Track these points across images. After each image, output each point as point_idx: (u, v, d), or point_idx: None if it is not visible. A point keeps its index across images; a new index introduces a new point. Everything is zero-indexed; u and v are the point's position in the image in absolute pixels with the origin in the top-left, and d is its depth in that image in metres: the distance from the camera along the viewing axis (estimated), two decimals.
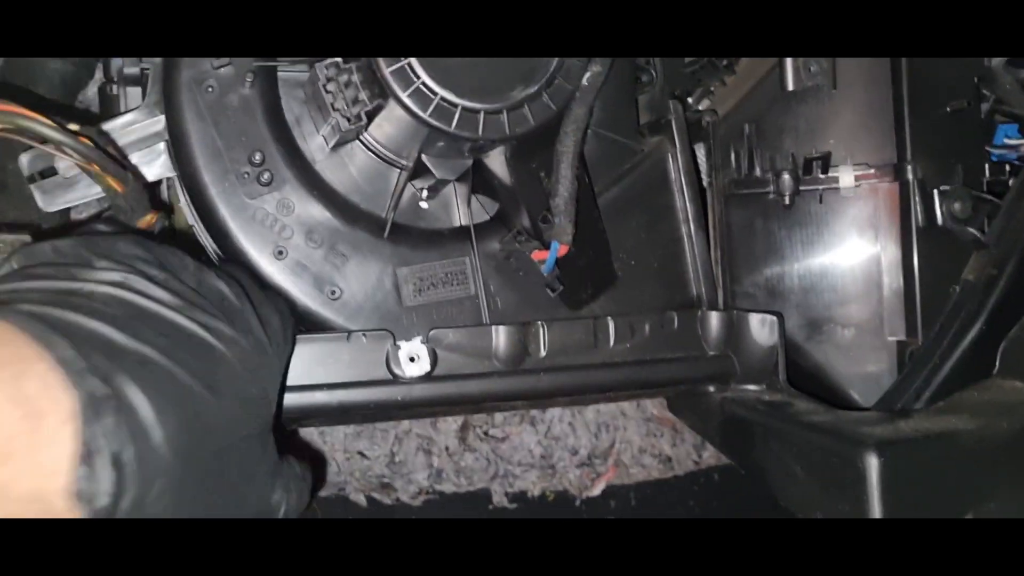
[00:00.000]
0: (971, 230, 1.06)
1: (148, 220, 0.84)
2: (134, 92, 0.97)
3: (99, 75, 1.12)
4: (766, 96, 1.14)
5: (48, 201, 0.88)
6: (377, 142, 0.95)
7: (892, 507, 0.79)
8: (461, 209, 1.01)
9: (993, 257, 1.03)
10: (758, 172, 1.14)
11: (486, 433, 1.32)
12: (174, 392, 0.55)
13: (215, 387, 0.58)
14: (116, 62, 0.97)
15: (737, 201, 1.16)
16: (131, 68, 0.96)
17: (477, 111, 0.87)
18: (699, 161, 1.18)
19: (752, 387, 1.01)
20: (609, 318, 0.96)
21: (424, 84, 0.85)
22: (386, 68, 0.84)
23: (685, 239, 1.08)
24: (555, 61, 0.90)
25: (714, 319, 1.00)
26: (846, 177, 1.10)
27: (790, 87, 1.09)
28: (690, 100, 1.21)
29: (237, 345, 0.62)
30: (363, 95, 0.89)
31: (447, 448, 1.31)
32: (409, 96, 0.85)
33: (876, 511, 0.79)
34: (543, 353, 0.93)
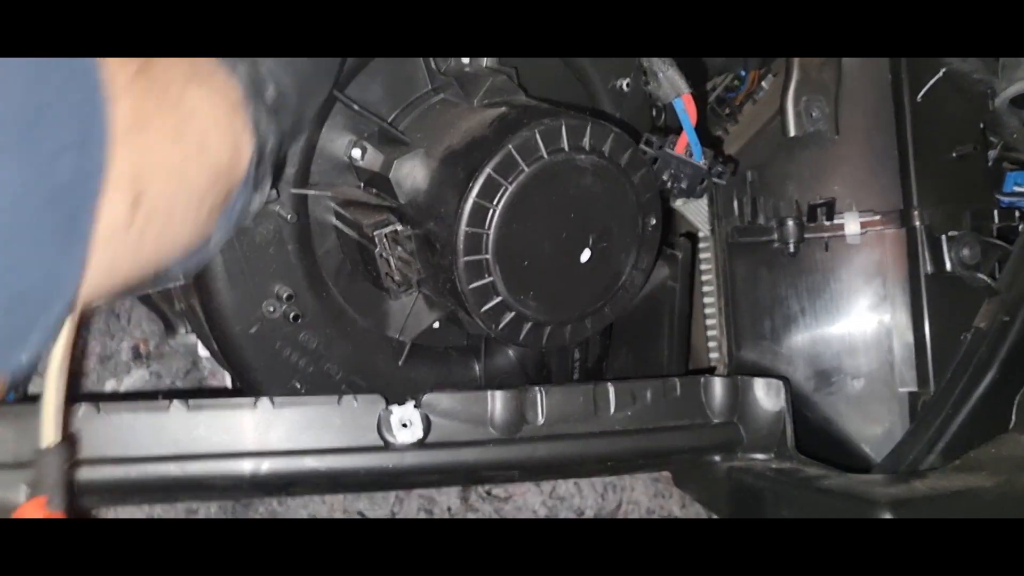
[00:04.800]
0: (981, 276, 1.03)
1: None
2: None
3: None
4: (769, 143, 1.13)
5: None
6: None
7: None
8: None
9: (1005, 303, 1.01)
10: (762, 220, 1.12)
11: (489, 492, 1.29)
12: None
13: None
14: None
15: (740, 250, 1.14)
16: None
17: (544, 325, 0.86)
18: (703, 212, 1.16)
19: (760, 455, 0.97)
20: (610, 384, 0.93)
21: (503, 302, 0.83)
22: (468, 284, 0.81)
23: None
24: (624, 275, 0.88)
25: (718, 385, 0.97)
26: (851, 224, 1.08)
27: (792, 133, 1.07)
28: None
29: None
30: (416, 265, 0.88)
31: (449, 509, 1.27)
32: (485, 312, 0.83)
33: None
34: (541, 420, 0.90)
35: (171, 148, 0.52)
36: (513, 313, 0.84)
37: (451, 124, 0.88)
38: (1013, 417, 0.96)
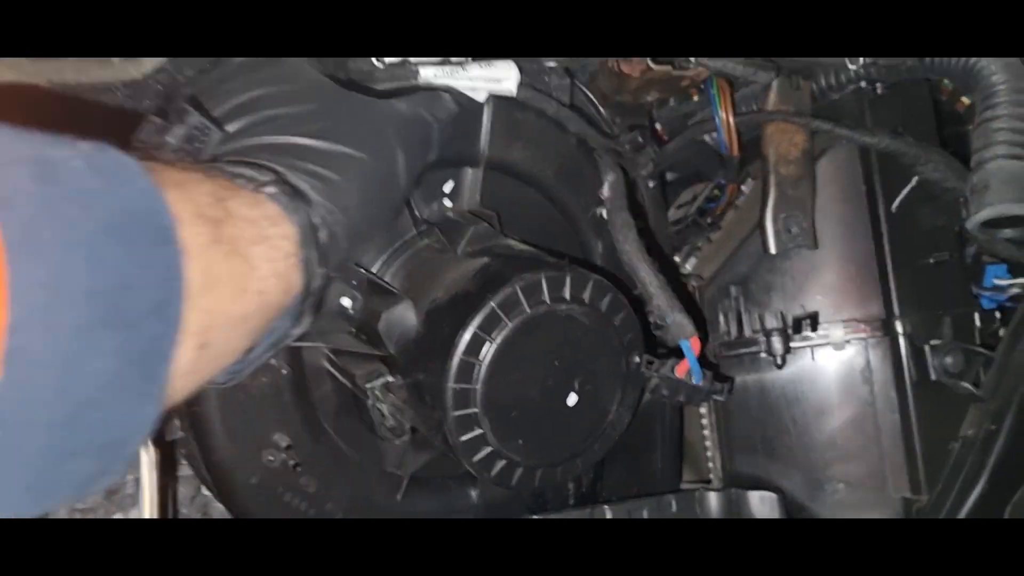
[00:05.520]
0: (965, 385, 1.05)
1: None
2: None
3: None
4: (751, 256, 1.15)
5: None
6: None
7: None
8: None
9: (990, 412, 1.03)
10: (748, 332, 1.14)
11: None
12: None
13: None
14: None
15: (728, 362, 1.16)
16: None
17: (535, 468, 0.88)
18: None
19: None
20: (606, 507, 0.95)
21: (494, 452, 0.84)
22: (458, 437, 0.83)
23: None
24: (611, 413, 0.90)
25: (713, 500, 0.99)
26: (836, 333, 1.10)
27: (772, 251, 1.09)
28: (676, 259, 1.22)
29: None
30: (409, 412, 0.90)
31: None
32: (477, 462, 0.85)
33: None
34: None
35: (235, 302, 0.58)
36: (504, 461, 0.85)
37: (436, 275, 0.91)
38: None
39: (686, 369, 0.90)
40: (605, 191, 0.96)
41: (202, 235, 0.55)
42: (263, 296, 0.62)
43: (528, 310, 0.83)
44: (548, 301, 0.84)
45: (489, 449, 0.84)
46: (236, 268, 0.58)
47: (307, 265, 0.67)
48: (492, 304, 0.81)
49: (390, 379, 0.90)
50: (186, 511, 1.28)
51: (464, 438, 0.83)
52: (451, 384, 0.81)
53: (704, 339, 0.95)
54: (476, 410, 0.82)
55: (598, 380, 0.88)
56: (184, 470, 1.23)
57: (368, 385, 0.90)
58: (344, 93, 0.78)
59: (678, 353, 0.91)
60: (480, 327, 0.81)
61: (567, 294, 0.85)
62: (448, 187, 0.98)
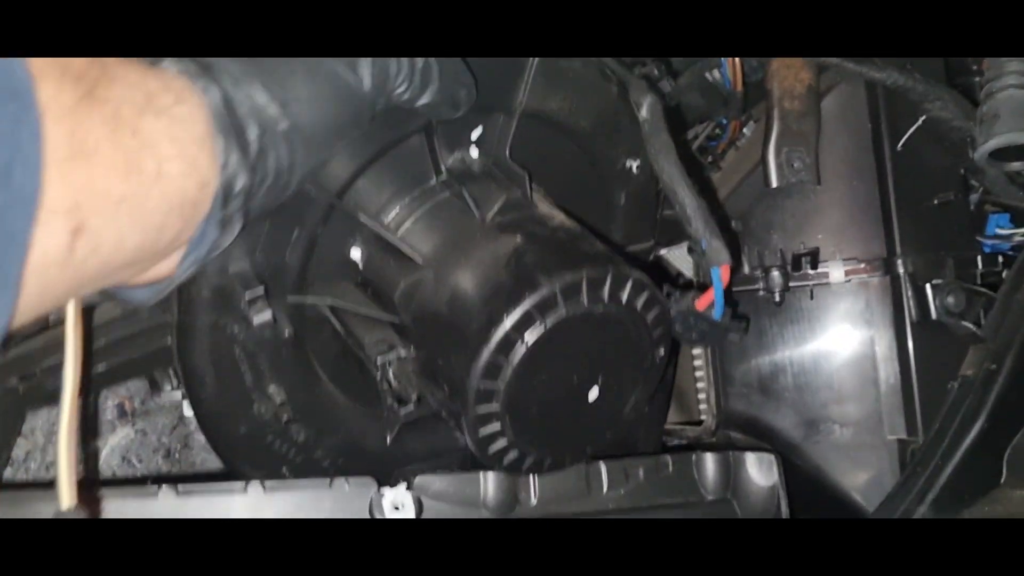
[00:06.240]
0: (966, 324, 1.03)
1: None
2: None
3: None
4: (752, 192, 1.13)
5: None
6: None
7: None
8: None
9: (991, 351, 1.01)
10: (747, 269, 1.12)
11: None
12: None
13: None
14: None
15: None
16: None
17: (547, 459, 0.85)
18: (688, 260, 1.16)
19: None
20: (602, 463, 0.92)
21: (509, 445, 0.80)
22: (476, 431, 0.78)
23: None
24: (629, 405, 0.86)
25: (710, 461, 0.96)
26: (836, 272, 1.08)
27: (774, 184, 1.07)
28: None
29: None
30: (415, 383, 0.85)
31: None
32: (491, 454, 0.81)
33: None
34: (534, 501, 0.89)
35: (120, 179, 0.50)
36: (518, 452, 0.82)
37: (462, 245, 0.85)
38: (1004, 471, 0.95)
39: (707, 302, 0.86)
40: (644, 112, 0.90)
41: (67, 92, 0.47)
42: (165, 182, 0.53)
43: (565, 314, 0.77)
44: (586, 304, 0.78)
45: (504, 443, 0.80)
46: (120, 139, 0.50)
47: (225, 156, 0.58)
48: (529, 305, 0.75)
49: (402, 353, 0.85)
50: (166, 440, 1.26)
51: (482, 433, 0.79)
52: (476, 382, 0.76)
53: (736, 271, 0.90)
54: (498, 408, 0.78)
55: (622, 375, 0.84)
56: (167, 397, 1.21)
57: (380, 359, 0.84)
58: None
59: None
60: (514, 327, 0.75)
61: (605, 295, 0.79)
62: (476, 134, 0.91)
